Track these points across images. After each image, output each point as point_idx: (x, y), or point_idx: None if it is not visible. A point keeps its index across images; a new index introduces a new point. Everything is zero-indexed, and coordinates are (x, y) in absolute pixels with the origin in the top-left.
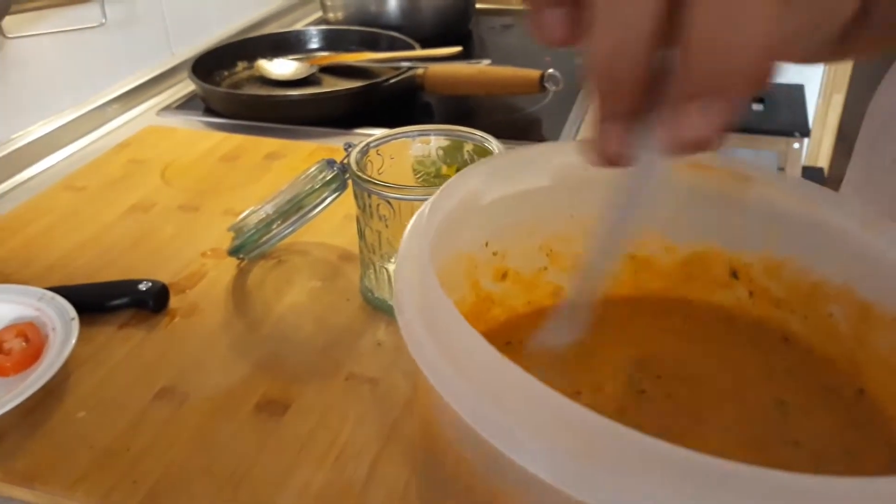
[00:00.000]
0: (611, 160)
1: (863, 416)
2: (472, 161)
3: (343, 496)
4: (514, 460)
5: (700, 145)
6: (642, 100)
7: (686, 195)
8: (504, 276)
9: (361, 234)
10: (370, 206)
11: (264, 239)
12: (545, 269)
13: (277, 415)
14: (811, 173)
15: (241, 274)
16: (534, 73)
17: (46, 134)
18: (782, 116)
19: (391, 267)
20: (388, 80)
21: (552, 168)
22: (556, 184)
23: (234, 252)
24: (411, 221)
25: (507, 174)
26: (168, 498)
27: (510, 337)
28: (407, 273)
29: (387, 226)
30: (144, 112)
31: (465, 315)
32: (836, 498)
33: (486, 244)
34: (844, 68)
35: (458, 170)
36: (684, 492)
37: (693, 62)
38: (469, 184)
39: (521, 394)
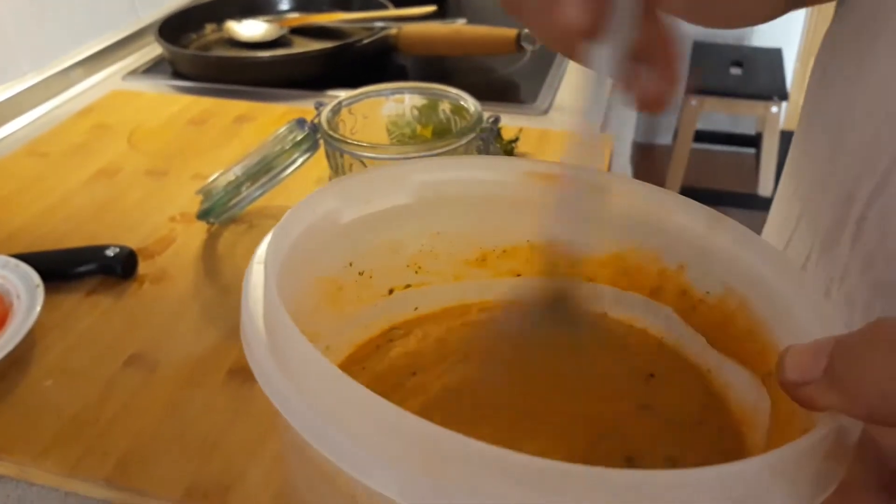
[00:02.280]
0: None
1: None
2: (449, 121)
3: None
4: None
5: None
6: None
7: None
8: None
9: None
10: (342, 167)
11: (234, 202)
12: (408, 286)
13: (251, 381)
14: (789, 137)
15: (212, 238)
16: (510, 32)
17: (7, 99)
18: (760, 81)
19: None
20: (360, 40)
21: (411, 186)
22: (417, 202)
23: (203, 216)
24: (259, 248)
25: (363, 194)
26: (138, 467)
27: (414, 367)
28: (253, 303)
29: None
30: (110, 76)
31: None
32: (683, 487)
33: (351, 264)
34: (823, 31)
35: (434, 130)
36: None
37: None
38: (324, 204)
39: (378, 420)
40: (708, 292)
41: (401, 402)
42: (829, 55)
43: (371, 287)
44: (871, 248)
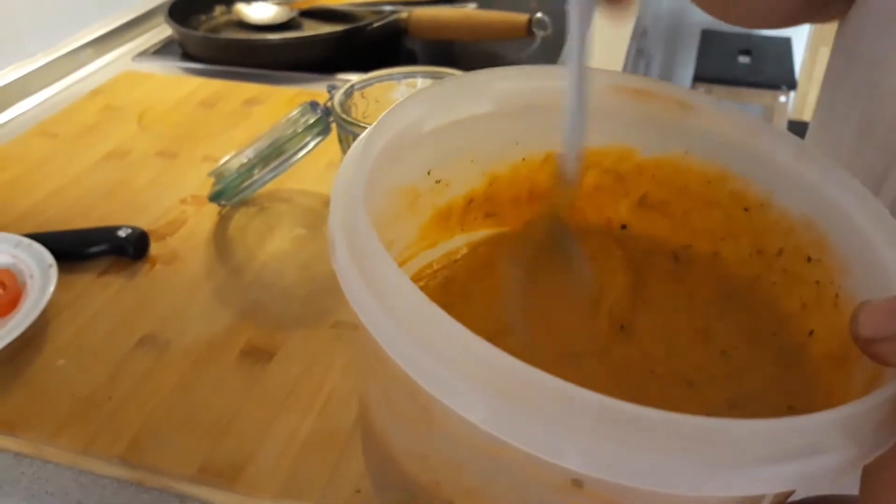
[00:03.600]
0: None
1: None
2: None
3: (329, 443)
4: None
5: None
6: None
7: (631, 122)
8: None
9: None
10: None
11: (245, 184)
12: (485, 191)
13: (262, 362)
14: (796, 127)
15: (223, 221)
16: (521, 18)
17: (17, 79)
18: (769, 69)
19: None
20: (370, 23)
21: (494, 94)
22: (499, 110)
23: (214, 198)
24: (349, 153)
25: (448, 101)
26: (151, 447)
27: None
28: (340, 211)
29: None
30: (120, 57)
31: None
32: (749, 440)
33: (429, 172)
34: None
35: None
36: (604, 437)
37: None
38: (410, 113)
39: (452, 340)
40: (792, 227)
41: None
42: (854, 33)
43: (446, 195)
44: None
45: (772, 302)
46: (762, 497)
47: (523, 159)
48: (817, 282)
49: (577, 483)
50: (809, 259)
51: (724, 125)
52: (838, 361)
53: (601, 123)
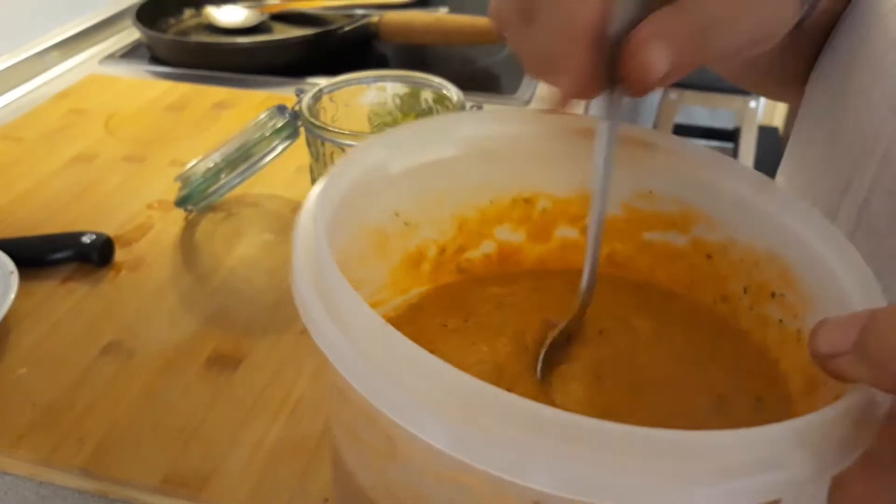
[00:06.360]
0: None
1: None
2: (431, 110)
3: (297, 452)
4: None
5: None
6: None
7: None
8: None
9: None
10: (324, 155)
11: (212, 189)
12: (454, 238)
13: (229, 370)
14: (767, 132)
15: (189, 226)
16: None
17: None
18: None
19: None
20: (341, 27)
21: (460, 138)
22: (465, 154)
23: (181, 203)
24: (310, 194)
25: (413, 145)
26: (115, 456)
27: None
28: (302, 246)
29: None
30: (86, 60)
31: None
32: (710, 449)
33: (397, 214)
34: None
35: (416, 119)
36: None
37: None
38: (375, 154)
39: (424, 371)
40: (756, 262)
41: None
42: (821, 68)
43: (415, 238)
44: (880, 231)
45: (743, 341)
46: None
47: (490, 202)
48: (780, 320)
49: None
50: (773, 295)
51: (686, 162)
52: (808, 390)
53: (563, 169)
